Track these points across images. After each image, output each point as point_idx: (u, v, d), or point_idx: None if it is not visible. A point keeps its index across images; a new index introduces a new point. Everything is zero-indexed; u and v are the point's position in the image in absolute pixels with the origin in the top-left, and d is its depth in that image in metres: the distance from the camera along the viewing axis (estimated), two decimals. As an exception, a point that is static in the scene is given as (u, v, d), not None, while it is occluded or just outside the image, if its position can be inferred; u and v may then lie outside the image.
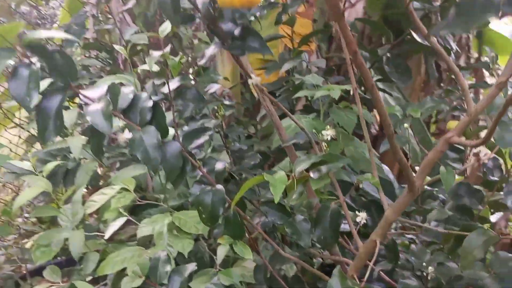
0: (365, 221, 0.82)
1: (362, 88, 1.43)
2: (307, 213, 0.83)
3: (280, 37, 1.49)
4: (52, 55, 0.59)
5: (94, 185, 1.64)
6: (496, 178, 0.86)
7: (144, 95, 0.67)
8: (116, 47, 1.24)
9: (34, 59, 0.59)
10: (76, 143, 1.39)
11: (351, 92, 1.20)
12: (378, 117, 1.99)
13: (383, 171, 1.12)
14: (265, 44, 0.69)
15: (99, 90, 0.65)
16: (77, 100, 1.62)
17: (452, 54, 1.61)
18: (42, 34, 0.61)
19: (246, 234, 0.84)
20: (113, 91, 0.66)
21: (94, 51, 1.80)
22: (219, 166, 0.76)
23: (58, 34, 0.77)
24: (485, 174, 0.86)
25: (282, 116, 1.09)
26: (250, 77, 0.71)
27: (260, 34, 0.70)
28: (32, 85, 0.56)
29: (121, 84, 1.43)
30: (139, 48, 1.58)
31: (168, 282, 0.73)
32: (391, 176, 1.16)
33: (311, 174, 0.73)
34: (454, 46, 1.55)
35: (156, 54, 0.73)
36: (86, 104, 0.63)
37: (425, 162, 0.72)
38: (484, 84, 1.32)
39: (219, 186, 0.75)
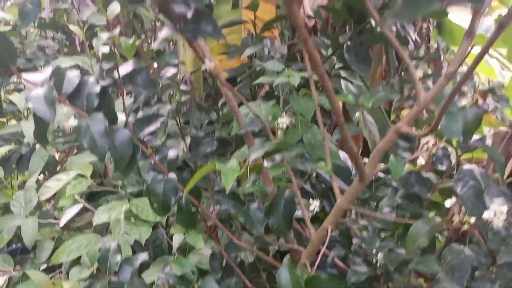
0: (321, 208, 0.83)
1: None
2: (262, 200, 0.83)
3: (242, 22, 1.47)
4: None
5: (52, 170, 1.59)
6: (444, 167, 0.88)
7: (91, 79, 0.65)
8: (72, 27, 1.19)
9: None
10: (30, 127, 1.34)
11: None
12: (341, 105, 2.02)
13: (339, 157, 1.14)
14: (218, 28, 0.67)
15: (42, 74, 0.63)
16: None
17: (412, 44, 1.64)
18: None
19: (204, 221, 0.83)
20: (58, 75, 0.63)
21: (51, 33, 1.74)
22: (171, 154, 0.75)
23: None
24: (435, 162, 0.88)
25: (242, 103, 1.08)
26: (204, 63, 0.69)
27: (214, 17, 0.68)
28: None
29: (78, 67, 1.38)
30: (98, 30, 1.53)
31: (118, 272, 0.72)
32: (348, 163, 1.18)
33: (265, 163, 0.73)
34: (414, 36, 1.57)
35: (104, 36, 0.70)
36: (29, 89, 0.60)
37: (376, 151, 0.73)
38: (438, 73, 1.35)
39: (172, 175, 0.73)
